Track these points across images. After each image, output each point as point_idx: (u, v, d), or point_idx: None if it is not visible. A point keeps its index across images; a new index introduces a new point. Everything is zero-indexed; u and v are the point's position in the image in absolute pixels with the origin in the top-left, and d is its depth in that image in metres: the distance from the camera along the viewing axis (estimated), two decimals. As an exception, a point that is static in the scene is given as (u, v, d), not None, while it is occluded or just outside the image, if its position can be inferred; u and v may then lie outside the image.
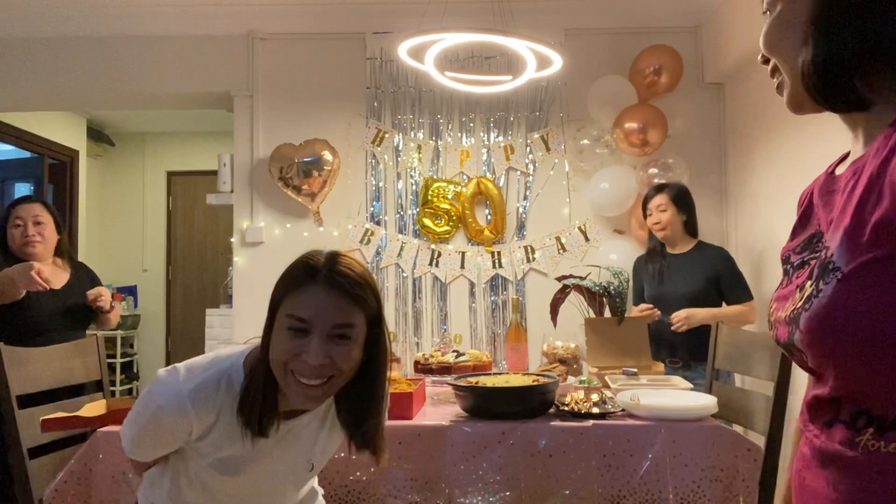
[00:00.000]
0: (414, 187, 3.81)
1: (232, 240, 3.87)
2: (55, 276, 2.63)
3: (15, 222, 2.61)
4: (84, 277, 2.75)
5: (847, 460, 0.68)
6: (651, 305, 2.82)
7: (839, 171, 0.80)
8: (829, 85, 0.72)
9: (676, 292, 2.86)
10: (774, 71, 0.80)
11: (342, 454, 1.78)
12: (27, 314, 2.51)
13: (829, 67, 0.71)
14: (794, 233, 0.86)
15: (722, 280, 2.86)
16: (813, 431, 0.75)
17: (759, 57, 0.82)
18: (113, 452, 1.80)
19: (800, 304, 0.70)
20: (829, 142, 2.52)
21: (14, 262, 2.57)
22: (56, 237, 2.70)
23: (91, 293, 2.67)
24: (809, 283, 0.71)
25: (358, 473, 1.77)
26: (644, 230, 3.00)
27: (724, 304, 2.89)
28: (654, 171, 3.48)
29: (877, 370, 0.64)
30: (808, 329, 0.68)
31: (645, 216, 3.01)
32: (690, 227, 2.98)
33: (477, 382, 1.94)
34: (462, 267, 3.78)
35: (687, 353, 2.83)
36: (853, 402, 0.68)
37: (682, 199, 2.95)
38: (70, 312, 2.65)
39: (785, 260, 0.84)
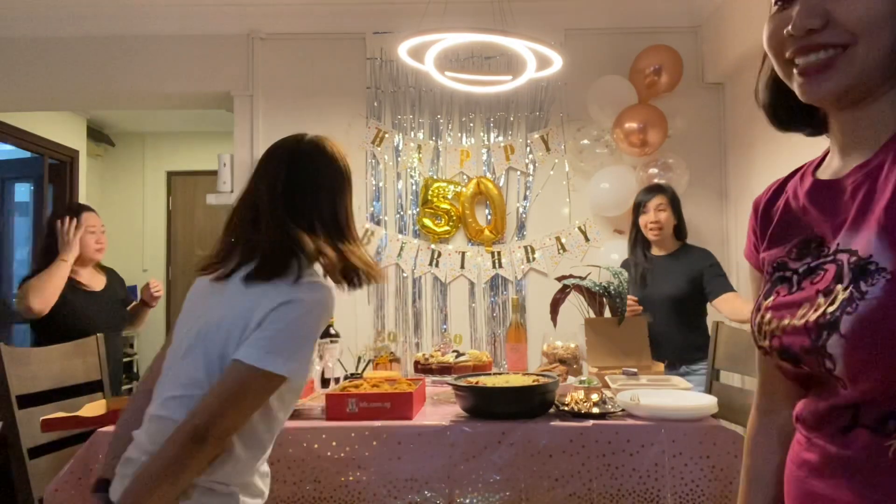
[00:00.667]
0: (414, 187, 3.81)
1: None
2: (94, 279, 2.86)
3: (89, 229, 2.83)
4: (115, 280, 2.98)
5: (875, 466, 0.66)
6: (636, 298, 2.82)
7: (823, 175, 0.78)
8: None
9: (661, 294, 2.87)
10: (815, 49, 0.70)
11: (342, 454, 1.78)
12: (72, 317, 2.65)
13: None
14: (775, 239, 0.82)
15: (704, 274, 2.86)
16: (823, 439, 0.72)
17: (803, 28, 0.69)
18: (113, 452, 1.79)
19: (832, 308, 0.66)
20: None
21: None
22: None
23: (153, 283, 2.96)
24: (840, 286, 0.67)
25: (357, 473, 1.78)
26: (644, 230, 3.00)
27: (707, 301, 2.88)
28: (654, 171, 3.48)
29: None
30: (856, 331, 0.64)
31: (637, 215, 3.01)
32: (679, 231, 3.00)
33: (477, 382, 1.94)
34: (462, 267, 3.78)
35: (672, 353, 2.82)
36: (879, 405, 0.66)
37: (676, 202, 2.99)
38: (110, 313, 2.82)
39: (780, 267, 0.79)
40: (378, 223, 3.80)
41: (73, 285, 2.73)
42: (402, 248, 3.78)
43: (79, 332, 2.54)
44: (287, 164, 1.41)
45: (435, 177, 3.80)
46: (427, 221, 3.78)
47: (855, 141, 0.74)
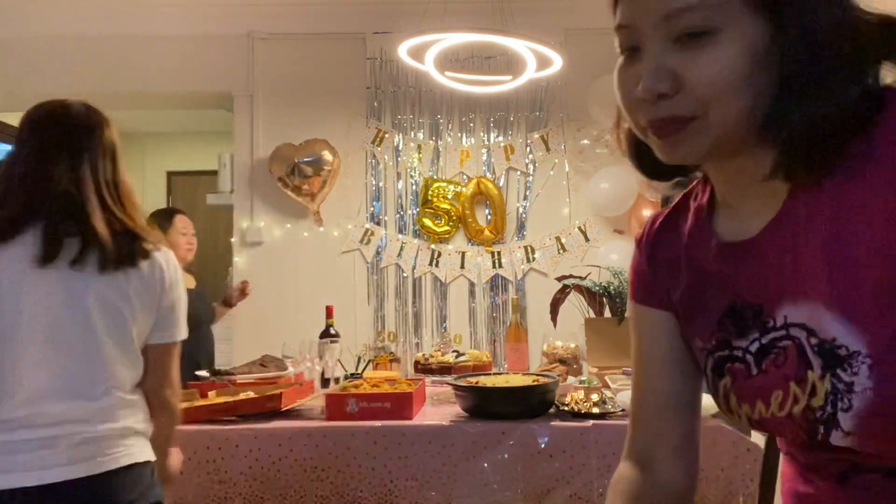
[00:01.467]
0: (414, 187, 3.81)
1: (232, 240, 3.87)
2: (187, 279, 3.01)
3: (182, 231, 3.03)
4: (201, 280, 3.22)
5: (887, 501, 0.61)
6: None
7: (727, 234, 0.69)
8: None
9: None
10: (665, 122, 0.62)
11: (342, 454, 1.78)
12: (194, 310, 2.83)
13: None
14: (692, 307, 0.73)
15: None
16: (823, 479, 0.67)
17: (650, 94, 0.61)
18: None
19: (816, 401, 0.60)
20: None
21: None
22: None
23: (246, 285, 3.19)
24: (813, 374, 0.60)
25: (357, 473, 1.78)
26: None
27: None
28: (654, 171, 3.48)
29: None
30: (861, 427, 0.57)
31: None
32: None
33: (477, 382, 1.94)
34: (462, 267, 3.78)
35: None
36: (891, 462, 0.61)
37: None
38: (201, 308, 3.03)
39: (722, 345, 0.70)
40: (378, 223, 3.80)
41: None
42: (402, 248, 3.78)
43: (192, 326, 2.79)
44: (91, 137, 1.46)
45: (435, 177, 3.80)
46: (427, 221, 3.78)
47: (745, 192, 0.67)
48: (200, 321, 2.97)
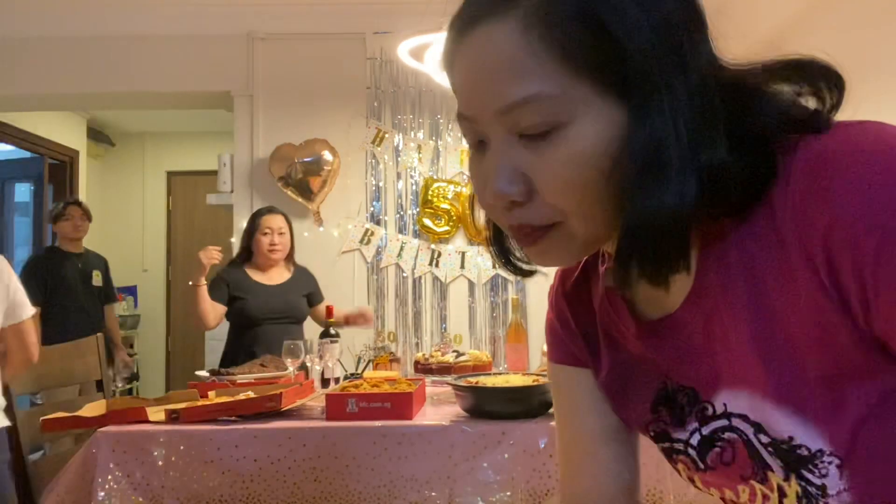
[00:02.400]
0: (414, 187, 3.81)
1: (232, 240, 3.87)
2: (278, 274, 2.97)
3: (264, 230, 2.90)
4: (301, 277, 3.03)
5: None
6: None
7: (646, 309, 0.61)
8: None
9: None
10: (524, 232, 0.55)
11: (342, 454, 1.78)
12: (250, 305, 2.84)
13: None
14: (619, 393, 0.67)
15: None
16: None
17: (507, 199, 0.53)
18: (113, 452, 1.80)
19: (789, 501, 0.54)
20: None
21: (248, 262, 2.93)
22: (290, 245, 3.00)
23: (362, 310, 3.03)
24: (775, 476, 0.53)
25: (357, 473, 1.78)
26: None
27: None
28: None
29: None
30: None
31: None
32: None
33: (477, 382, 1.94)
34: (462, 267, 3.78)
35: None
36: None
37: None
38: (286, 307, 2.93)
39: (660, 437, 0.63)
40: (378, 223, 3.81)
41: (245, 279, 2.88)
42: (402, 248, 3.78)
43: (251, 320, 2.83)
44: None
45: (435, 177, 3.80)
46: (427, 221, 3.78)
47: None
48: (260, 316, 2.84)
